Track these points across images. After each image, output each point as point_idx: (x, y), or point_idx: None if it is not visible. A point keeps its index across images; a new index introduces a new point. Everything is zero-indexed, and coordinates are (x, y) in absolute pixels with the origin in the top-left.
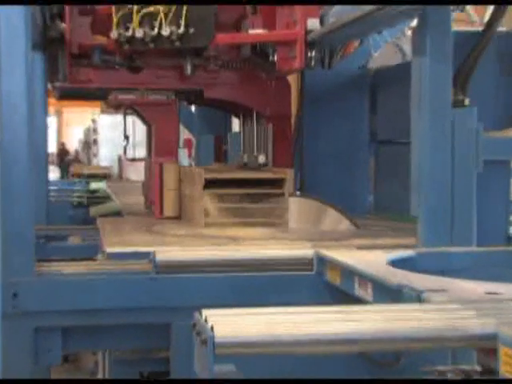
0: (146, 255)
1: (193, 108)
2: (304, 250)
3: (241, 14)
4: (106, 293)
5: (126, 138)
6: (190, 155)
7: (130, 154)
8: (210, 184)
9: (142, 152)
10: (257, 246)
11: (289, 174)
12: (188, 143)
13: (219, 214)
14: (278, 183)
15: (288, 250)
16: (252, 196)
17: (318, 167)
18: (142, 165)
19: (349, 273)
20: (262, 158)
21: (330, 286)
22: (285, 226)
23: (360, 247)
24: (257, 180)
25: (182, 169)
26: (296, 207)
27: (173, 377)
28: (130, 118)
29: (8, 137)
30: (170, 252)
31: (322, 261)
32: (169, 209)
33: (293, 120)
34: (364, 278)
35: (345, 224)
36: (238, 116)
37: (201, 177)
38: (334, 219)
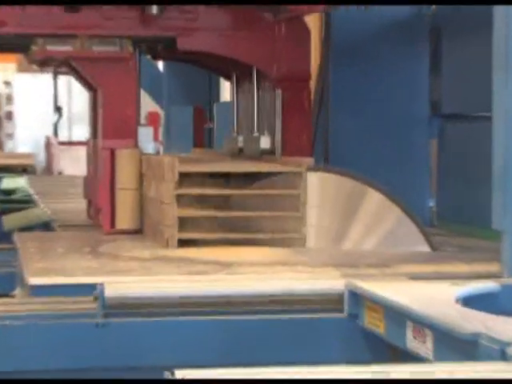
0: (89, 289)
1: (160, 66)
2: (330, 281)
3: None
4: (30, 348)
5: (58, 110)
6: (156, 138)
7: (63, 135)
8: (186, 181)
9: (81, 132)
10: (257, 275)
11: (307, 166)
12: (153, 119)
13: (200, 226)
14: (290, 180)
15: (305, 280)
16: (251, 199)
17: (351, 155)
18: (82, 151)
19: (398, 316)
20: (265, 142)
21: (369, 336)
22: (300, 244)
23: (415, 277)
24: (258, 175)
25: (145, 158)
26: (319, 190)
27: None
28: (64, 81)
29: None
30: (125, 285)
31: (358, 297)
32: (124, 219)
33: (313, 84)
34: (421, 323)
35: (407, 228)
36: (229, 78)
37: (173, 170)
38: (394, 220)
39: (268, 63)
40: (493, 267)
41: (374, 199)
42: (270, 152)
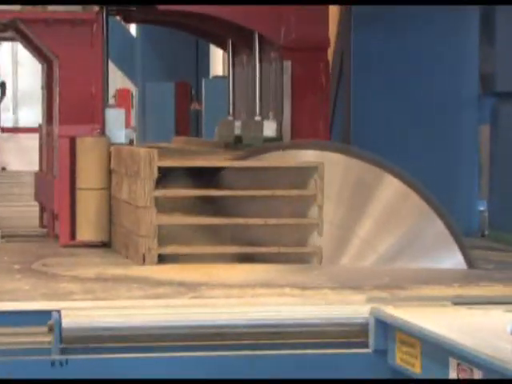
0: (41, 318)
1: (133, 30)
2: (350, 307)
3: None
4: None
5: (0, 87)
6: (128, 123)
7: (7, 119)
8: (167, 179)
9: (31, 115)
10: (256, 298)
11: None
12: (123, 98)
13: (185, 236)
14: (301, 177)
15: (318, 306)
16: (250, 203)
17: (377, 144)
18: (32, 140)
19: (438, 351)
20: (270, 128)
21: (401, 376)
22: (313, 259)
23: (460, 302)
24: (260, 171)
25: (115, 149)
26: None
27: None
28: (8, 49)
29: None
30: (87, 312)
31: (386, 328)
32: (87, 228)
33: (329, 54)
34: (468, 360)
35: (436, 229)
36: (223, 46)
37: (150, 165)
38: (418, 218)
39: (273, 27)
40: None
41: (392, 189)
42: (276, 141)
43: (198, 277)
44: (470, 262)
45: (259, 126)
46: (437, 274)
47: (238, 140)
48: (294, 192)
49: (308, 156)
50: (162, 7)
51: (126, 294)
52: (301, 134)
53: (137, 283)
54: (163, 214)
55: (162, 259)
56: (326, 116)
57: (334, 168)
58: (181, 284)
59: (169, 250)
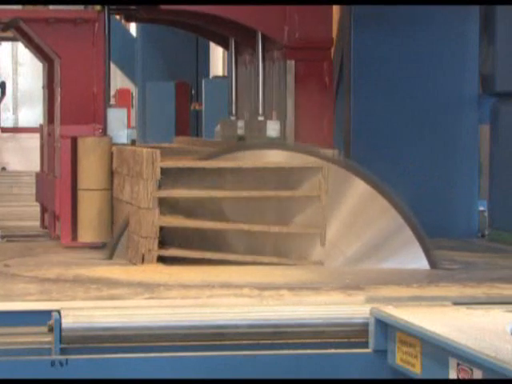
0: (41, 318)
1: (133, 29)
2: (350, 307)
3: None
4: None
5: (0, 87)
6: (129, 123)
7: (7, 119)
8: (170, 179)
9: (31, 115)
10: (256, 300)
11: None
12: (123, 98)
13: (187, 238)
14: (306, 178)
15: (318, 306)
16: (253, 204)
17: (377, 145)
18: (33, 140)
19: (438, 351)
20: (273, 128)
21: (401, 376)
22: (314, 259)
23: (460, 302)
24: (264, 172)
25: (117, 150)
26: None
27: None
28: (8, 48)
29: None
30: (87, 312)
31: (386, 328)
32: (89, 229)
33: (333, 52)
34: (468, 360)
35: (402, 235)
36: (225, 45)
37: (153, 165)
38: (386, 223)
39: (277, 26)
40: (494, 290)
41: (358, 191)
42: (279, 141)
43: (158, 277)
44: (433, 263)
45: (262, 126)
46: (399, 274)
47: (241, 140)
48: (299, 193)
49: (274, 156)
50: (164, 6)
51: (82, 295)
52: (304, 134)
53: (95, 284)
54: (165, 216)
55: (163, 262)
56: (329, 115)
57: (302, 170)
58: (139, 284)
59: (169, 252)
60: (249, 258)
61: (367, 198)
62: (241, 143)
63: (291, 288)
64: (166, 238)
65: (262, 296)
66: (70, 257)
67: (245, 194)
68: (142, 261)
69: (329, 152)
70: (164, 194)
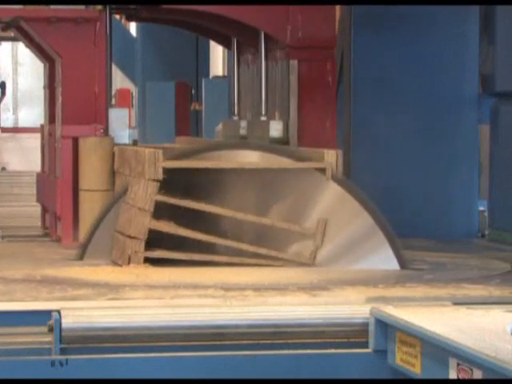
0: (41, 318)
1: (133, 29)
2: (350, 307)
3: None
4: None
5: (0, 87)
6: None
7: (7, 119)
8: (171, 180)
9: (31, 115)
10: (219, 300)
11: (333, 158)
12: (123, 98)
13: (185, 239)
14: (309, 179)
15: (318, 306)
16: (257, 204)
17: (378, 144)
18: (33, 140)
19: (438, 351)
20: (276, 128)
21: (401, 376)
22: (313, 259)
23: (460, 302)
24: (266, 173)
25: (119, 150)
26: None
27: None
28: (8, 48)
29: None
30: (87, 312)
31: (386, 328)
32: None
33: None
34: (468, 360)
35: (372, 235)
36: (227, 45)
37: (155, 165)
38: (357, 224)
39: (280, 26)
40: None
41: (331, 194)
42: (283, 142)
43: (126, 278)
44: (403, 264)
45: (265, 126)
46: (368, 275)
47: (243, 139)
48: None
49: (247, 157)
50: (166, 9)
51: (45, 295)
52: (307, 134)
53: (61, 284)
54: (157, 219)
55: (161, 264)
56: (332, 115)
57: (276, 171)
58: (105, 285)
59: (156, 254)
60: (236, 260)
61: (340, 200)
62: (211, 143)
63: (257, 288)
64: (155, 238)
65: (226, 296)
66: (39, 257)
67: (230, 213)
68: (129, 262)
69: (332, 152)
70: (163, 198)
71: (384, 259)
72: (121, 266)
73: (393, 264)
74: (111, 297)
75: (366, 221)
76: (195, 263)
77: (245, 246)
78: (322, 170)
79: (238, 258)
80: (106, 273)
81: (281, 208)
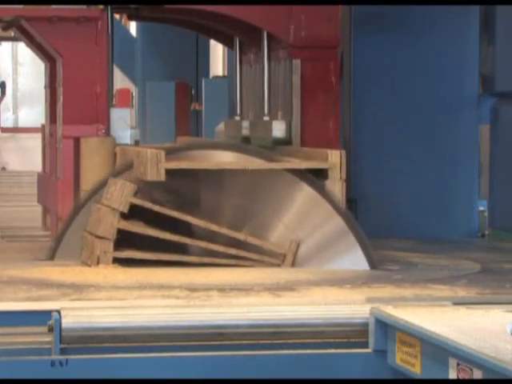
0: (41, 318)
1: (133, 29)
2: (350, 307)
3: None
4: None
5: (1, 86)
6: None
7: (6, 119)
8: (173, 181)
9: (32, 115)
10: (183, 301)
11: (337, 159)
12: (123, 98)
13: (164, 241)
14: (283, 180)
15: (318, 306)
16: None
17: (378, 145)
18: (33, 140)
19: (438, 351)
20: (279, 128)
21: (401, 375)
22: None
23: (460, 302)
24: (241, 174)
25: (121, 150)
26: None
27: None
28: (8, 48)
29: None
30: (87, 312)
31: (386, 328)
32: None
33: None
34: (468, 360)
35: (343, 236)
36: (229, 44)
37: (157, 166)
38: (329, 225)
39: (283, 25)
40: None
41: (303, 196)
42: (285, 142)
43: (93, 278)
44: (372, 264)
45: (268, 127)
46: (336, 275)
47: (246, 140)
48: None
49: (223, 157)
50: (168, 8)
51: (10, 296)
52: (311, 134)
53: (26, 285)
54: (126, 220)
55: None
56: (336, 115)
57: (250, 172)
58: (71, 285)
59: (124, 254)
60: (206, 260)
61: (313, 202)
62: (190, 143)
63: (222, 289)
64: (125, 238)
65: (190, 297)
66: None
67: (214, 227)
68: (98, 262)
69: (336, 153)
70: (138, 201)
71: (355, 260)
72: (90, 266)
73: (364, 265)
74: (75, 297)
75: (337, 223)
76: (168, 264)
77: (215, 247)
78: (297, 172)
79: (209, 259)
80: (73, 273)
81: (255, 210)
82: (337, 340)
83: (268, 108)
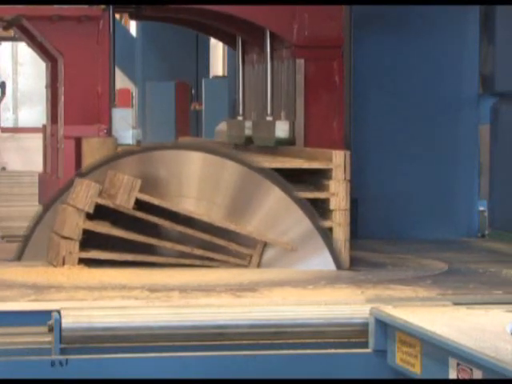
0: (41, 318)
1: (133, 29)
2: (350, 307)
3: None
4: None
5: (1, 86)
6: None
7: (6, 119)
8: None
9: (32, 115)
10: (181, 300)
11: (341, 159)
12: (123, 98)
13: (115, 239)
14: (317, 180)
15: (318, 306)
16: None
17: (378, 144)
18: (33, 140)
19: (438, 352)
20: (283, 128)
21: (401, 375)
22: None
23: (460, 302)
24: (239, 176)
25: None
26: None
27: None
28: (8, 48)
29: None
30: (87, 312)
31: (386, 328)
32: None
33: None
34: (468, 360)
35: (310, 237)
36: (231, 44)
37: (129, 193)
38: (297, 226)
39: (286, 24)
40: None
41: (272, 197)
42: (289, 143)
43: (55, 279)
44: (339, 265)
45: (271, 127)
46: (300, 276)
47: (248, 141)
48: (311, 194)
49: (195, 159)
50: (171, 8)
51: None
52: (314, 134)
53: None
54: (91, 220)
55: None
56: (339, 115)
57: (219, 172)
58: (32, 286)
59: (89, 254)
60: (172, 260)
61: (282, 204)
62: (157, 144)
63: (183, 290)
64: (92, 239)
65: (149, 298)
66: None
67: (179, 247)
68: (63, 263)
69: (340, 153)
70: (103, 201)
71: (323, 261)
72: (55, 266)
73: (331, 266)
74: (33, 298)
75: (305, 225)
76: (134, 264)
77: (182, 248)
78: (268, 175)
79: (174, 259)
80: (37, 274)
81: (224, 210)
82: (337, 340)
83: (271, 108)
